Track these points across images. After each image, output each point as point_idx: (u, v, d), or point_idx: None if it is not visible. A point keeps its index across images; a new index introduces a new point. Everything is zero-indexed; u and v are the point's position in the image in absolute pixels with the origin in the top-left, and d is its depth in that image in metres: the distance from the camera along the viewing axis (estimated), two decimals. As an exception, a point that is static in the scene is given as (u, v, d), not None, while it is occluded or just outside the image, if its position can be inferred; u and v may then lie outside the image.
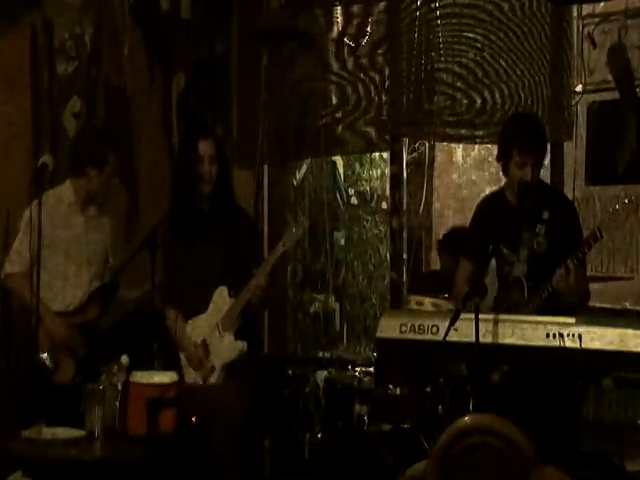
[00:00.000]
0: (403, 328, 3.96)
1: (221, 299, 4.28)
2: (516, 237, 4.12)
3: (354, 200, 7.25)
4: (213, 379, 4.24)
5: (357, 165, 7.29)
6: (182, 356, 4.33)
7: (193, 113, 6.08)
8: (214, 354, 4.26)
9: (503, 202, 4.19)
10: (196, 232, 4.33)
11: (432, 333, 3.89)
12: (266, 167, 6.39)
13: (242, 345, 4.23)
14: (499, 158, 4.17)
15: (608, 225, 3.81)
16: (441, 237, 5.70)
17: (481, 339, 3.69)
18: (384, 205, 7.25)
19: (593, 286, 5.12)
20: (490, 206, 4.29)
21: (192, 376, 4.26)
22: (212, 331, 4.27)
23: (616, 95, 5.44)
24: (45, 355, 4.26)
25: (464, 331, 3.76)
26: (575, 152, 5.66)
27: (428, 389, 4.52)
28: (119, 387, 3.76)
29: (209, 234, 4.31)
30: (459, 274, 4.27)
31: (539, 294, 3.94)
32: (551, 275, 3.86)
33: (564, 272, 3.82)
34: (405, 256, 6.03)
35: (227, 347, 4.24)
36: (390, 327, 4.00)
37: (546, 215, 4.07)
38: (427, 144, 6.60)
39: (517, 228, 4.12)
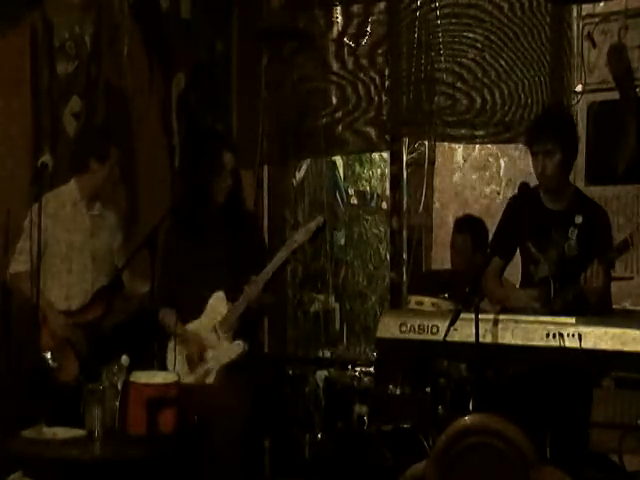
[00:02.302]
0: (403, 328, 3.96)
1: (218, 304, 4.27)
2: (545, 236, 4.12)
3: (354, 200, 7.25)
4: (209, 381, 4.24)
5: (357, 165, 7.29)
6: (179, 356, 4.32)
7: (193, 113, 6.08)
8: (210, 357, 4.26)
9: (534, 199, 4.18)
10: (204, 238, 4.33)
11: (432, 333, 3.89)
12: (266, 167, 6.38)
13: (243, 346, 4.22)
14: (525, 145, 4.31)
15: None
16: (455, 221, 5.66)
17: (481, 339, 3.69)
18: (384, 205, 7.24)
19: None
20: (521, 202, 4.26)
21: (186, 377, 4.24)
22: (208, 334, 4.27)
23: (616, 95, 5.43)
24: (48, 354, 4.26)
25: (464, 331, 3.76)
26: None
27: (428, 389, 4.52)
28: (119, 387, 3.76)
29: (216, 240, 4.32)
30: (489, 270, 4.24)
31: (565, 294, 3.95)
32: (578, 276, 3.87)
33: (591, 274, 3.82)
34: (405, 256, 6.03)
35: (226, 349, 4.23)
36: (390, 327, 4.01)
37: (579, 219, 4.06)
38: (427, 144, 6.60)
39: (547, 227, 4.12)
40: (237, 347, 4.22)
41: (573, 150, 4.18)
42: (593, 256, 3.90)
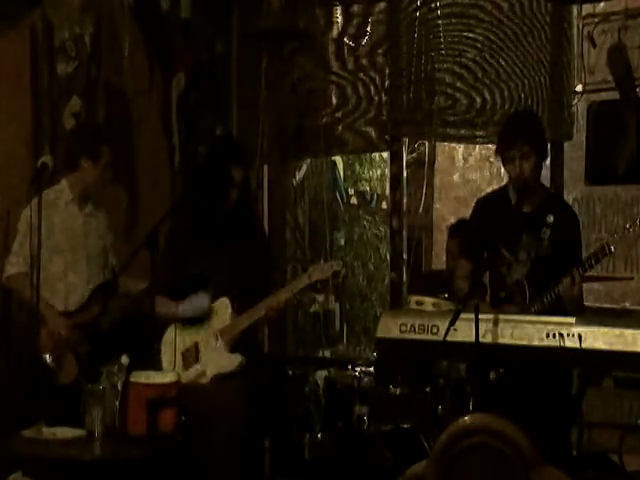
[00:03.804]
0: (403, 328, 3.96)
1: (222, 310, 4.28)
2: (516, 238, 4.12)
3: (354, 200, 7.25)
4: (203, 382, 4.26)
5: (357, 165, 7.29)
6: (176, 352, 4.34)
7: (193, 113, 6.08)
8: (207, 361, 4.27)
9: (504, 201, 4.18)
10: (210, 244, 4.35)
11: (432, 333, 3.88)
12: (266, 167, 6.39)
13: (241, 360, 4.24)
14: (496, 153, 4.22)
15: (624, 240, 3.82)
16: (449, 227, 5.67)
17: (481, 339, 3.69)
18: (384, 205, 7.25)
19: (593, 286, 5.13)
20: (491, 204, 4.28)
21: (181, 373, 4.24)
22: (207, 338, 4.29)
23: (616, 95, 5.44)
24: (47, 355, 4.26)
25: (464, 331, 3.76)
26: (575, 152, 5.66)
27: (428, 389, 4.52)
28: (119, 387, 3.75)
29: (221, 248, 4.34)
30: (457, 273, 4.26)
31: (542, 299, 3.95)
32: (556, 282, 3.87)
33: (570, 281, 3.82)
34: (405, 256, 6.03)
35: (224, 359, 4.25)
36: (390, 327, 4.00)
37: (550, 219, 4.06)
38: (427, 144, 6.60)
39: (518, 230, 4.11)
40: (235, 360, 4.25)
41: (545, 150, 4.23)
42: (566, 258, 3.91)
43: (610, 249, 3.78)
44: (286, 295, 4.23)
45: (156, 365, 4.23)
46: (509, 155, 4.07)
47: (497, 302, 4.15)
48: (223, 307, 4.29)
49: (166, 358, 4.32)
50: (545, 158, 4.24)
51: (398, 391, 4.66)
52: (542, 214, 4.08)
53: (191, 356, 4.30)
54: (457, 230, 5.44)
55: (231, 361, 4.24)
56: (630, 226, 3.80)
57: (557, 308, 3.88)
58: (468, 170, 7.05)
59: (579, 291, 3.85)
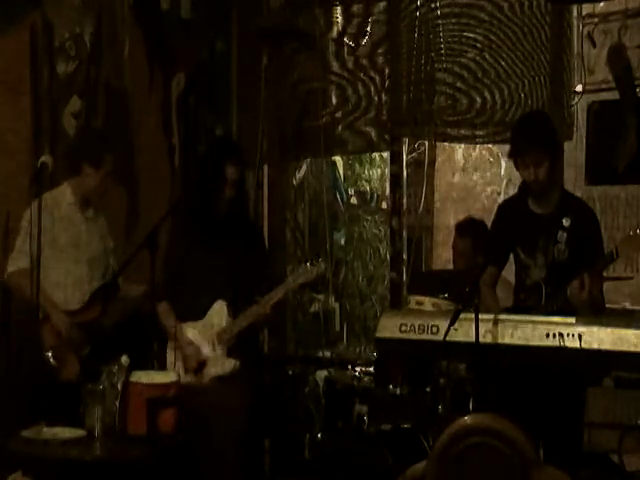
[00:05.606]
0: (403, 328, 3.96)
1: (219, 313, 4.30)
2: (533, 242, 4.11)
3: (354, 200, 7.25)
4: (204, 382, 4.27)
5: (357, 165, 7.29)
6: (174, 356, 4.35)
7: (193, 113, 6.08)
8: (206, 365, 4.28)
9: (521, 205, 4.18)
10: (206, 245, 4.36)
11: (432, 333, 3.89)
12: (266, 167, 6.39)
13: (235, 363, 4.25)
14: (509, 157, 4.20)
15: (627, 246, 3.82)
16: (456, 225, 5.66)
17: (481, 339, 3.69)
18: (384, 205, 7.25)
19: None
20: (510, 209, 4.27)
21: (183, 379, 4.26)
22: (205, 341, 4.30)
23: (616, 95, 5.44)
24: (49, 353, 4.27)
25: (464, 331, 3.76)
26: (575, 152, 5.66)
27: (428, 389, 4.52)
28: (119, 387, 3.76)
29: (217, 249, 4.34)
30: (483, 279, 4.22)
31: (553, 304, 3.94)
32: (566, 286, 3.86)
33: (578, 285, 3.81)
34: (405, 256, 6.03)
35: (220, 362, 4.26)
36: (390, 327, 4.01)
37: (567, 222, 4.04)
38: (427, 144, 6.60)
39: (534, 233, 4.10)
40: (230, 363, 4.26)
41: (559, 152, 4.19)
42: (584, 260, 3.90)
43: (617, 254, 3.78)
44: (275, 298, 4.24)
45: (162, 368, 4.25)
46: (523, 162, 4.03)
47: (518, 304, 4.16)
48: (220, 311, 4.30)
49: (171, 363, 4.33)
50: (559, 159, 4.21)
51: (398, 391, 4.66)
52: (558, 217, 4.07)
53: (193, 365, 4.31)
54: (467, 229, 5.41)
55: (227, 364, 4.25)
56: (638, 231, 3.80)
57: (571, 310, 3.88)
58: (468, 170, 7.05)
59: (589, 295, 3.83)
